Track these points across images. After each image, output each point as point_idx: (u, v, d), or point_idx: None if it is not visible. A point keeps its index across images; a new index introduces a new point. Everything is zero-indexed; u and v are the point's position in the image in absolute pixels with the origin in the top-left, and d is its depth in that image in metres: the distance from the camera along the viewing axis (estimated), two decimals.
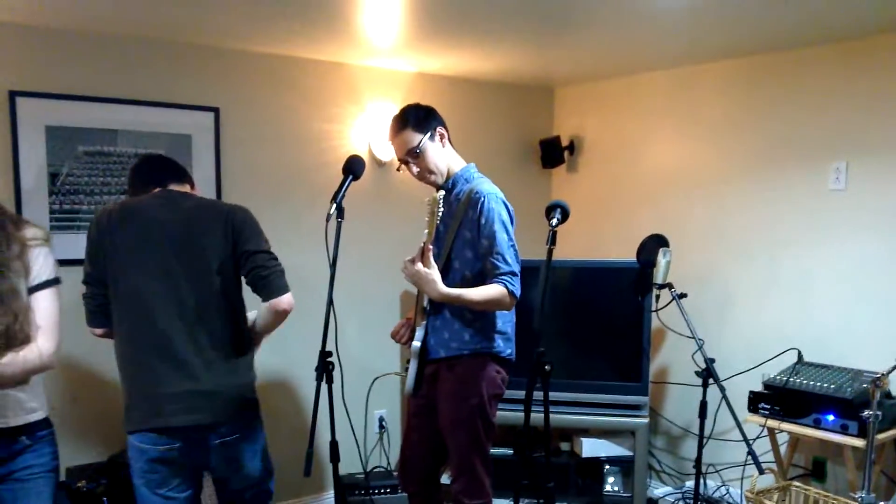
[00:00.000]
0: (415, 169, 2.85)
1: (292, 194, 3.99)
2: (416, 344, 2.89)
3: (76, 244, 3.43)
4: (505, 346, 2.84)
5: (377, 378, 4.20)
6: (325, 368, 2.57)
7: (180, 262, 2.39)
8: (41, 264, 2.20)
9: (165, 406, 2.35)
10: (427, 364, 2.90)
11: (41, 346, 2.15)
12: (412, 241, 2.78)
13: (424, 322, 2.89)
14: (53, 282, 2.22)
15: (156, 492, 2.44)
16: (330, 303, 2.56)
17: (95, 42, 3.44)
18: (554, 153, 4.83)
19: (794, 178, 3.74)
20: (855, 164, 3.51)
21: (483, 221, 2.71)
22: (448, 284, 2.70)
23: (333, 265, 2.57)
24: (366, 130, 4.22)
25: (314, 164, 4.06)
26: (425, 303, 2.88)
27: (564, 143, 4.86)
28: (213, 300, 2.42)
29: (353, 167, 2.72)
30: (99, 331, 2.52)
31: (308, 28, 3.39)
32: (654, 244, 3.62)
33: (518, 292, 2.71)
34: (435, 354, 2.87)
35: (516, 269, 2.71)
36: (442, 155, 2.84)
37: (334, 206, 2.58)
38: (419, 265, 2.66)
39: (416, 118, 2.80)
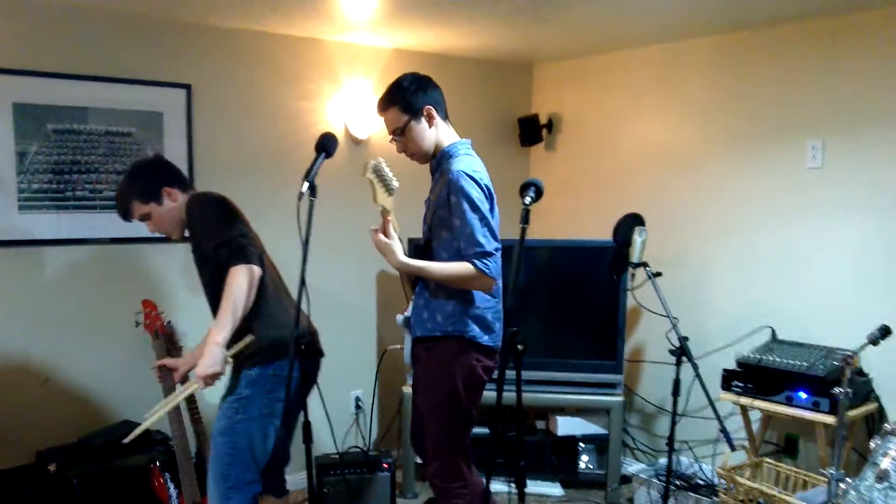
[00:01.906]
0: (399, 147, 2.81)
1: (266, 173, 3.94)
2: (400, 317, 2.89)
3: (47, 225, 3.40)
4: (482, 333, 2.72)
5: (385, 349, 4.19)
6: (297, 349, 2.55)
7: None
8: None
9: (304, 340, 2.59)
10: (414, 342, 2.87)
11: None
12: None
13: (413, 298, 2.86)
14: None
15: (275, 422, 2.73)
16: (302, 283, 2.53)
17: (64, 17, 3.37)
18: (532, 131, 4.80)
19: (772, 156, 3.74)
20: (832, 142, 3.52)
21: (454, 200, 2.61)
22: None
23: (306, 244, 2.53)
24: (342, 108, 4.17)
25: (289, 143, 4.01)
26: (413, 279, 2.85)
27: (543, 120, 4.84)
28: None
29: (326, 144, 2.67)
30: (259, 270, 2.66)
31: (282, 2, 3.33)
32: (629, 223, 3.61)
33: (490, 271, 2.59)
34: (413, 333, 2.83)
35: (488, 247, 2.59)
36: (428, 135, 2.75)
37: (306, 184, 2.54)
38: (379, 235, 2.65)
39: (404, 98, 2.70)
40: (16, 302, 3.33)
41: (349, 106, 4.16)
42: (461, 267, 2.60)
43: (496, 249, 2.63)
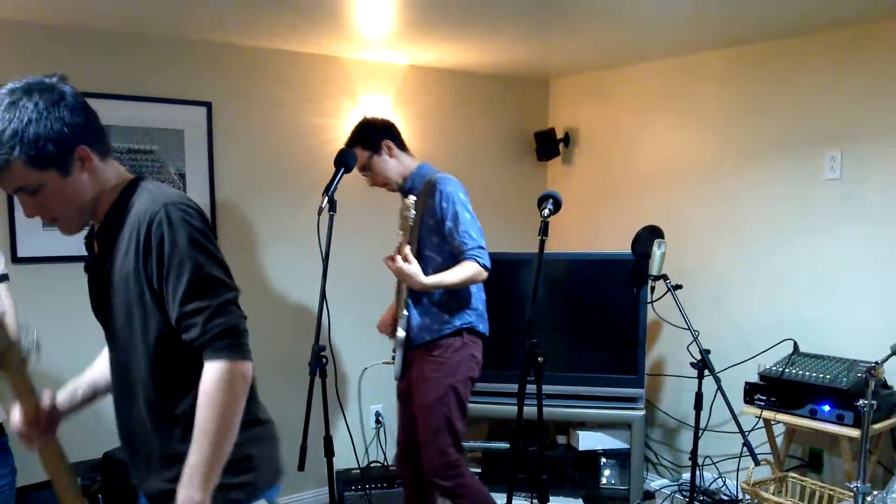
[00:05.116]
0: (369, 181, 3.14)
1: (286, 189, 3.97)
2: (401, 332, 3.04)
3: (71, 242, 3.43)
4: (478, 321, 3.05)
5: (366, 369, 4.19)
6: (318, 363, 2.57)
7: None
8: (1, 257, 2.12)
9: None
10: (410, 350, 3.07)
11: None
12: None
13: (406, 312, 3.04)
14: (6, 276, 2.14)
15: None
16: (323, 296, 2.55)
17: (87, 38, 3.42)
18: (549, 145, 4.81)
19: (790, 167, 3.72)
20: (849, 153, 3.50)
21: (444, 205, 2.91)
22: (424, 273, 2.88)
23: (326, 259, 2.57)
24: None
25: (308, 159, 4.04)
26: (406, 294, 3.03)
27: (559, 135, 4.84)
28: None
29: (345, 160, 2.73)
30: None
31: (300, 21, 3.37)
32: (648, 235, 3.61)
33: (488, 264, 2.91)
34: (419, 340, 3.02)
35: (482, 242, 2.92)
36: (392, 165, 3.06)
37: (326, 199, 2.59)
38: (399, 262, 2.84)
39: (363, 137, 3.05)
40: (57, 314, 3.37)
41: None
42: (469, 268, 2.88)
43: (485, 244, 2.96)
